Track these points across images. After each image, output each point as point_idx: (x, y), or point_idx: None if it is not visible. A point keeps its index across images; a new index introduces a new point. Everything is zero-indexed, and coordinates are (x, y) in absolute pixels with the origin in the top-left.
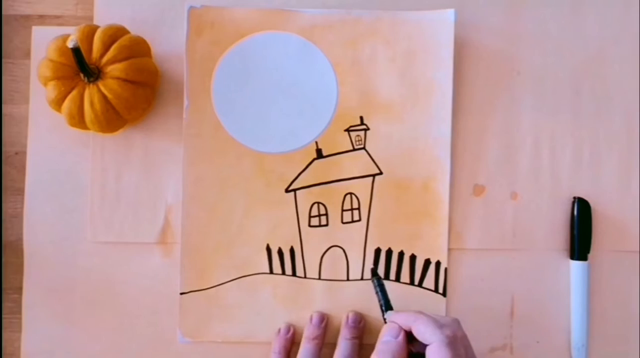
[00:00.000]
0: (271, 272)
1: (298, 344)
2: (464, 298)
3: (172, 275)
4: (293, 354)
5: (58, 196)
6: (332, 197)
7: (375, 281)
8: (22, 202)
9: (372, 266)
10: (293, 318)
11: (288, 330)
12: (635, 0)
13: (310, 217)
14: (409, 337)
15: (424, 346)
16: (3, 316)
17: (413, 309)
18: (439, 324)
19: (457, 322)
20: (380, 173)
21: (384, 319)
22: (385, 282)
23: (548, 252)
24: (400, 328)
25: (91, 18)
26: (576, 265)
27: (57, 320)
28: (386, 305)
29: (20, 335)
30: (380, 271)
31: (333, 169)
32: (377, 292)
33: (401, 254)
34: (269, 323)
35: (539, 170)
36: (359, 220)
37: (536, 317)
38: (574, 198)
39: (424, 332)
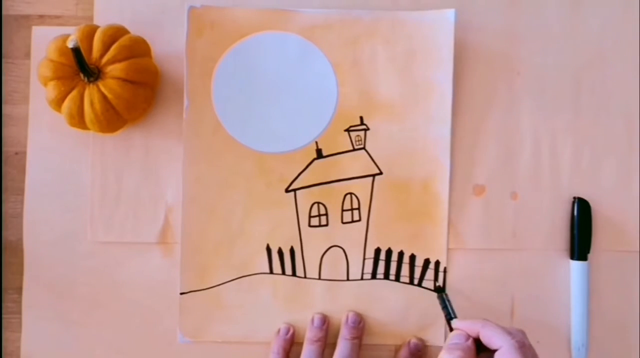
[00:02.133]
0: (271, 272)
1: (298, 344)
2: (464, 298)
3: (172, 275)
4: (293, 355)
5: (58, 196)
6: (332, 197)
7: (441, 297)
8: (22, 202)
9: (439, 284)
10: (293, 318)
11: (287, 331)
12: (635, 0)
13: (310, 217)
14: (476, 347)
15: (490, 356)
16: (3, 316)
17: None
18: (507, 330)
19: (523, 333)
20: (380, 173)
21: (450, 328)
22: (385, 282)
23: (548, 252)
24: (468, 334)
25: (91, 18)
26: (576, 265)
27: (57, 320)
28: (452, 315)
29: (20, 335)
30: (380, 271)
31: (333, 169)
32: (443, 307)
33: (401, 254)
34: (269, 323)
35: (539, 170)
36: (359, 220)
37: (536, 317)
38: (574, 198)
39: (491, 336)
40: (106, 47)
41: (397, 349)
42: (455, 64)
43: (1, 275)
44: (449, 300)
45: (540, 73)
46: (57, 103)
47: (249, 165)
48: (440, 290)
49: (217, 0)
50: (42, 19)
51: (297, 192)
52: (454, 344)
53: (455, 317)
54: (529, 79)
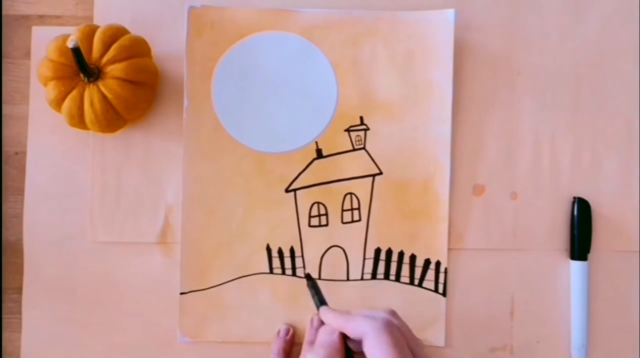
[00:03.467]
0: (271, 272)
1: (298, 345)
2: (464, 298)
3: (172, 275)
4: (293, 355)
5: (58, 196)
6: (332, 197)
7: (310, 285)
8: (22, 202)
9: (308, 272)
10: (293, 318)
11: (287, 332)
12: (635, 0)
13: (310, 217)
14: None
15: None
16: (3, 316)
17: (342, 310)
18: (371, 315)
19: (392, 312)
20: (380, 173)
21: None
22: (385, 282)
23: (548, 252)
24: (334, 328)
25: (91, 18)
26: (576, 265)
27: (57, 320)
28: (319, 303)
29: (20, 335)
30: (381, 271)
31: (333, 169)
32: (312, 295)
33: (401, 254)
34: (269, 323)
35: (539, 170)
36: (359, 220)
37: (536, 317)
38: (574, 198)
39: (355, 328)
40: (106, 47)
41: None
42: (455, 64)
43: (1, 275)
44: (317, 288)
45: (540, 73)
46: (57, 103)
47: (249, 165)
48: (309, 278)
49: (217, 0)
50: (42, 19)
51: (297, 192)
52: (320, 342)
53: (324, 303)
54: (529, 79)
